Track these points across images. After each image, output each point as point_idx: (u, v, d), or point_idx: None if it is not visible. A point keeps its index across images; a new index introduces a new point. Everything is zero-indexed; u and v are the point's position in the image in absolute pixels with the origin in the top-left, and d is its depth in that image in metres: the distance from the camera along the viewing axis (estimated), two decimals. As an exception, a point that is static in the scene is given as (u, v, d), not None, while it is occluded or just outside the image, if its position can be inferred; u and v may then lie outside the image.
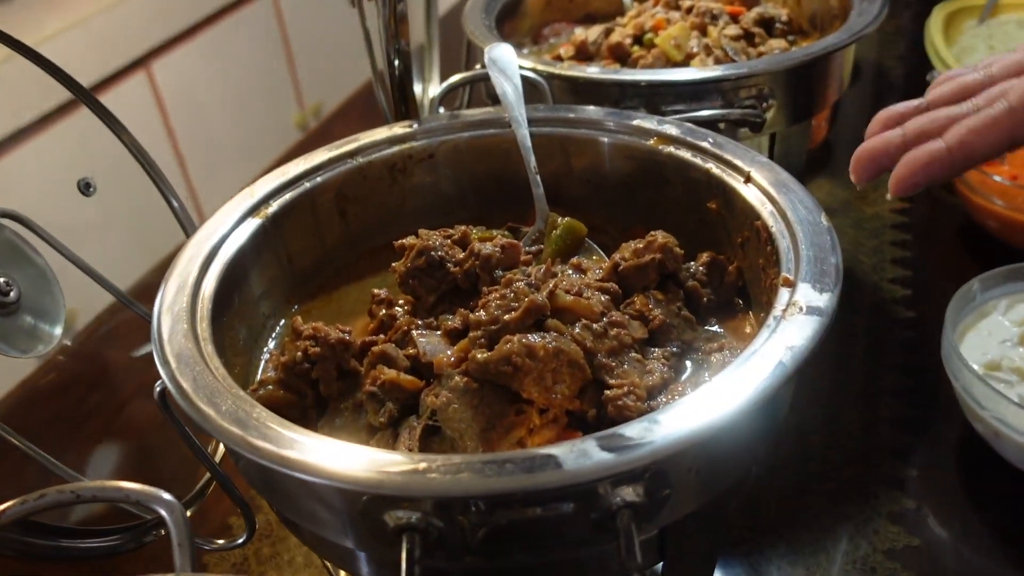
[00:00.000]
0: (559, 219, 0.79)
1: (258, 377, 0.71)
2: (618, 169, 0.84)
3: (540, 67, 0.96)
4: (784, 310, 0.57)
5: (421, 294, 0.71)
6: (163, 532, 0.66)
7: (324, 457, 0.50)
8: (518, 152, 0.83)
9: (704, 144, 0.77)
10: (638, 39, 1.11)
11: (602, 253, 0.79)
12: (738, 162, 0.74)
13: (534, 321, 0.64)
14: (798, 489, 0.90)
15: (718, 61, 1.03)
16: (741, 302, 0.74)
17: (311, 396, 0.66)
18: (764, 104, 0.92)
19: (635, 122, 0.82)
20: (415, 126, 0.86)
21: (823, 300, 0.57)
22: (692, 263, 0.75)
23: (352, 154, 0.84)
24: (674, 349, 0.68)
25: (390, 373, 0.64)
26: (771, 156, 0.99)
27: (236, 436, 0.51)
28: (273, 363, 0.67)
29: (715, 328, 0.72)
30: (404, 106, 0.94)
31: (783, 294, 0.60)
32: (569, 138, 0.85)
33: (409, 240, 0.75)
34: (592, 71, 0.95)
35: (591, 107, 0.86)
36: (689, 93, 0.92)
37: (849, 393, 1.00)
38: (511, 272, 0.71)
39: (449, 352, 0.64)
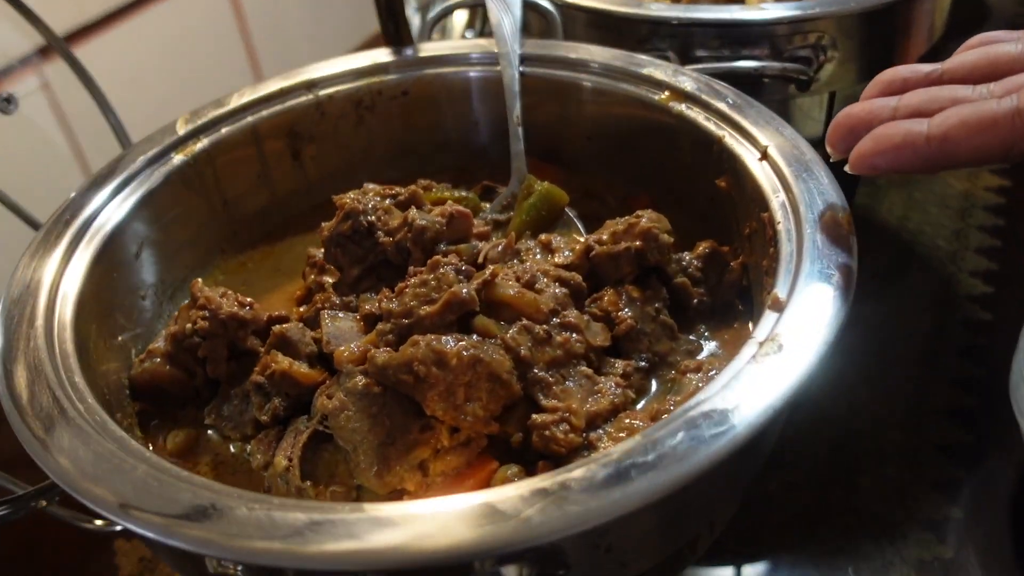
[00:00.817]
0: (536, 184, 0.66)
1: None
2: (621, 126, 0.69)
3: (557, -8, 0.81)
4: (760, 344, 0.43)
5: (344, 265, 0.59)
6: (43, 504, 0.57)
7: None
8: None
9: (720, 105, 0.62)
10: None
11: (582, 230, 0.65)
12: (756, 132, 0.58)
13: (457, 318, 0.51)
14: (810, 516, 0.76)
15: (782, -5, 0.85)
16: (742, 307, 0.60)
17: (202, 375, 0.56)
18: (821, 56, 0.75)
19: (646, 70, 0.67)
20: (388, 57, 0.73)
21: (813, 338, 0.43)
22: (687, 254, 0.60)
23: (309, 86, 0.71)
24: (641, 363, 0.55)
25: (283, 363, 0.53)
26: (828, 118, 0.82)
27: (35, 447, 0.42)
28: (166, 332, 0.57)
29: (703, 339, 0.58)
30: (394, 28, 0.81)
31: (767, 319, 0.45)
32: (566, 84, 0.70)
33: (348, 196, 0.63)
34: (614, 2, 0.79)
35: (597, 48, 0.71)
36: (730, 37, 0.75)
37: (895, 405, 0.84)
38: (452, 249, 0.59)
39: (355, 344, 0.52)
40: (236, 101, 0.69)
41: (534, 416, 0.49)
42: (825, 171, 0.54)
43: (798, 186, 0.53)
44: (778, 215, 0.52)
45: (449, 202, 0.61)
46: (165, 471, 0.40)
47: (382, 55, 0.73)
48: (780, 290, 0.47)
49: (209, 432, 0.56)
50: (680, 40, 0.76)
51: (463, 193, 0.67)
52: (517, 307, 0.53)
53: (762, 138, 0.58)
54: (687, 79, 0.65)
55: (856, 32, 0.77)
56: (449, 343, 0.49)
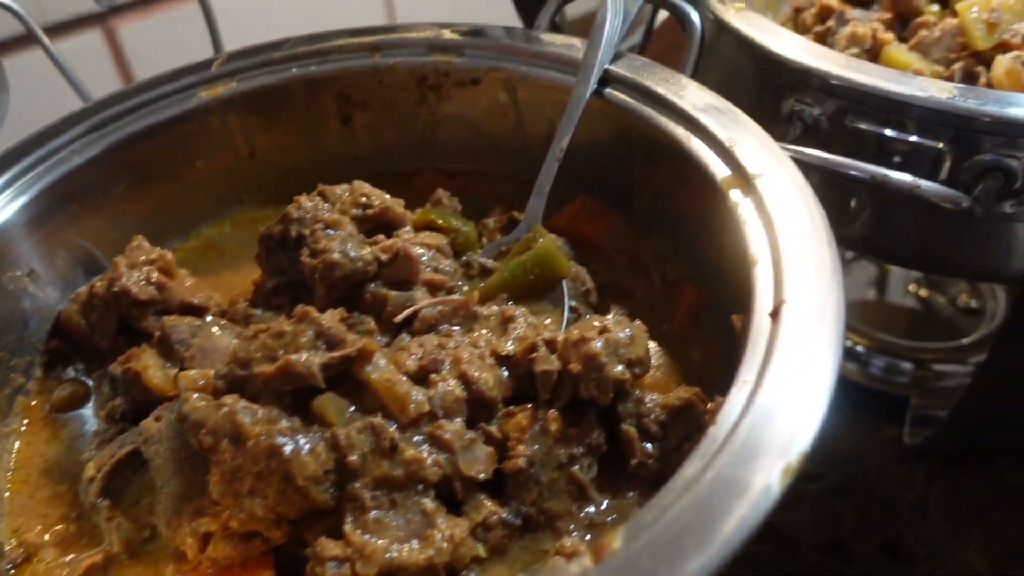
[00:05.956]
0: (539, 239, 0.53)
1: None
2: (689, 194, 0.53)
3: (712, 2, 0.64)
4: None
5: (266, 271, 0.52)
6: None
7: None
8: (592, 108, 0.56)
9: (782, 217, 0.44)
10: (946, -4, 0.70)
11: (566, 313, 0.52)
12: (791, 278, 0.41)
13: (293, 389, 0.42)
14: None
15: (1033, 74, 0.61)
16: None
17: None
18: (1020, 181, 0.52)
19: (726, 134, 0.50)
20: (467, 37, 0.62)
21: None
22: (655, 397, 0.45)
23: (372, 48, 0.63)
24: (514, 517, 0.43)
25: (141, 362, 0.48)
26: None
27: None
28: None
29: (617, 513, 0.44)
30: (530, 2, 0.70)
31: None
32: (643, 122, 0.55)
33: (344, 187, 0.55)
34: (776, 37, 0.60)
35: (695, 87, 0.54)
36: (900, 116, 0.55)
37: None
38: (384, 293, 0.49)
39: (196, 372, 0.45)
40: (287, 49, 0.62)
41: (321, 542, 0.40)
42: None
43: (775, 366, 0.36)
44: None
45: (403, 238, 0.51)
46: None
47: (466, 33, 0.62)
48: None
49: (93, 397, 0.53)
50: (836, 102, 0.57)
51: (458, 224, 0.55)
52: (381, 398, 0.43)
53: (791, 288, 0.41)
54: (774, 164, 0.48)
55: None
56: (253, 418, 0.40)
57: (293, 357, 0.41)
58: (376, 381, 0.43)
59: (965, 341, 0.85)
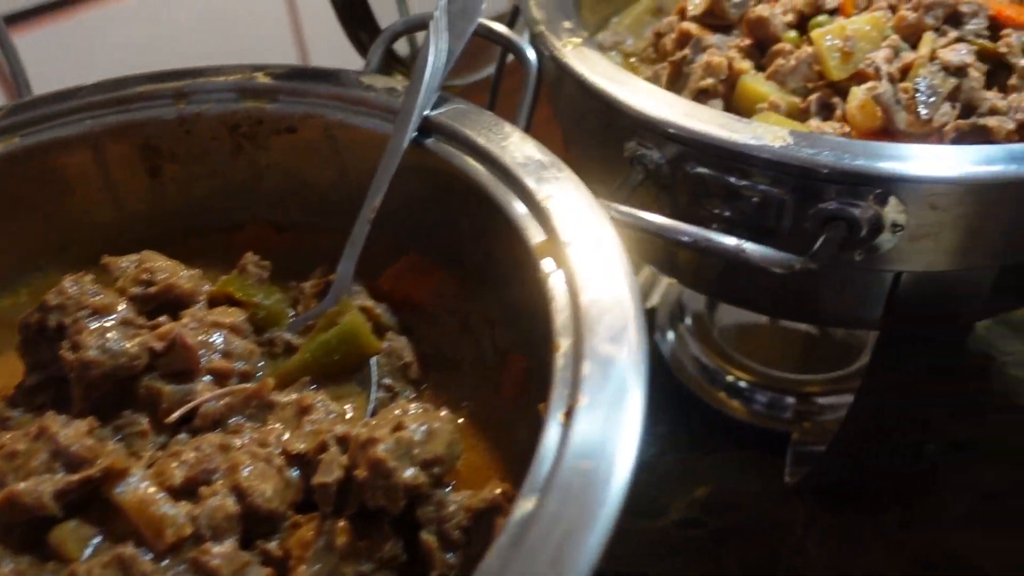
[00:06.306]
0: (345, 314, 0.48)
1: None
2: (511, 258, 0.49)
3: (550, 37, 0.59)
4: None
5: (27, 364, 0.46)
6: None
7: None
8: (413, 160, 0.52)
9: (590, 293, 0.40)
10: (804, 20, 0.67)
11: (372, 398, 0.47)
12: (589, 372, 0.37)
13: (23, 520, 0.36)
14: None
15: (885, 109, 0.57)
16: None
17: None
18: (865, 230, 0.49)
19: (543, 194, 0.46)
20: (280, 81, 0.57)
21: None
22: (459, 498, 0.41)
23: (177, 94, 0.57)
24: (292, 652, 0.38)
25: None
26: (891, 300, 0.55)
27: None
28: None
29: (418, 636, 0.39)
30: (364, 32, 0.65)
31: None
32: (462, 175, 0.50)
33: (132, 258, 0.49)
34: (612, 80, 0.55)
35: (518, 136, 0.50)
36: (739, 165, 0.51)
37: None
38: (157, 387, 0.43)
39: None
40: (82, 98, 0.56)
41: None
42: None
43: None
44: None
45: (183, 321, 0.45)
46: None
47: (280, 76, 0.57)
48: None
49: None
50: (675, 147, 0.53)
51: (259, 297, 0.50)
52: (134, 523, 0.37)
53: (587, 387, 0.36)
54: (591, 228, 0.43)
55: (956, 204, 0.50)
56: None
57: (21, 486, 0.36)
58: (128, 503, 0.37)
59: (843, 372, 0.82)
